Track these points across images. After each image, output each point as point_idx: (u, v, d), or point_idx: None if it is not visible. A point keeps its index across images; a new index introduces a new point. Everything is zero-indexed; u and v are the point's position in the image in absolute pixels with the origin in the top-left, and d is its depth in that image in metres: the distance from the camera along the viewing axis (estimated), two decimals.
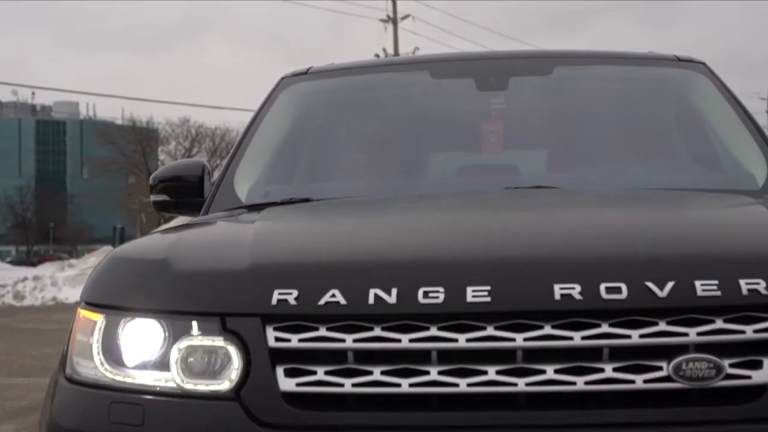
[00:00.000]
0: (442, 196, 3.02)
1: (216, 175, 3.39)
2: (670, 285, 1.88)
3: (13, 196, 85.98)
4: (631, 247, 2.06)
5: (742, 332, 1.85)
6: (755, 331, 1.85)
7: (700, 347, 1.85)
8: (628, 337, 1.84)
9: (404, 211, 2.72)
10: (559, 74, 3.65)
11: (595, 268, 1.93)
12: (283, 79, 3.78)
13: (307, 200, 3.01)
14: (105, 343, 2.07)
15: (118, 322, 2.06)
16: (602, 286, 1.87)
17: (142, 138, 60.39)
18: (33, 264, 62.14)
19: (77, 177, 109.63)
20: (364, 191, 3.21)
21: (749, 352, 1.85)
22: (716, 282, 1.88)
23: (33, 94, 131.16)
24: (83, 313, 2.16)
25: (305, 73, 3.79)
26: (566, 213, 2.55)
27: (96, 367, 2.06)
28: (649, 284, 1.88)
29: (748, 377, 1.83)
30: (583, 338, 1.85)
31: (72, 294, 22.19)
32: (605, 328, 1.85)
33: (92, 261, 26.82)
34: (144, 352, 2.02)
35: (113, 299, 2.11)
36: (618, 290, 1.87)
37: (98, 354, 2.06)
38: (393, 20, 42.37)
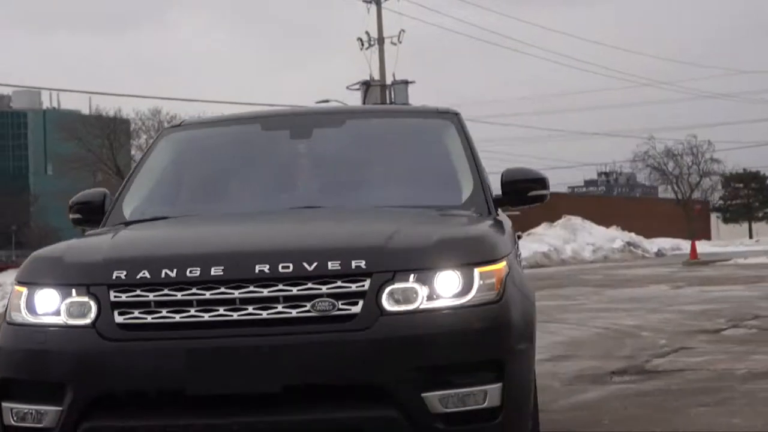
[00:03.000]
0: (246, 213, 4.72)
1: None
2: (314, 263, 3.66)
3: None
4: (303, 240, 3.97)
5: (353, 287, 3.65)
6: (359, 286, 3.65)
7: (327, 295, 3.61)
8: (291, 291, 3.63)
9: (211, 222, 4.64)
10: (348, 125, 5.39)
11: (277, 253, 3.73)
12: (164, 130, 5.73)
13: (164, 218, 4.70)
14: (27, 302, 3.84)
15: (34, 291, 3.85)
16: (280, 265, 3.66)
17: (110, 132, 55.82)
18: None
19: (41, 174, 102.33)
20: (202, 211, 4.90)
21: (352, 297, 3.62)
22: (339, 261, 3.66)
23: None
24: (16, 287, 3.93)
25: (179, 126, 5.72)
26: (296, 220, 4.46)
27: (22, 315, 3.84)
28: (305, 263, 3.67)
29: (349, 309, 3.61)
30: (269, 292, 3.64)
31: None
32: (281, 286, 3.64)
33: None
34: (47, 307, 3.80)
35: (31, 278, 3.92)
36: (287, 266, 3.65)
37: (23, 308, 3.84)
38: (376, 1, 40.05)
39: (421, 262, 3.71)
